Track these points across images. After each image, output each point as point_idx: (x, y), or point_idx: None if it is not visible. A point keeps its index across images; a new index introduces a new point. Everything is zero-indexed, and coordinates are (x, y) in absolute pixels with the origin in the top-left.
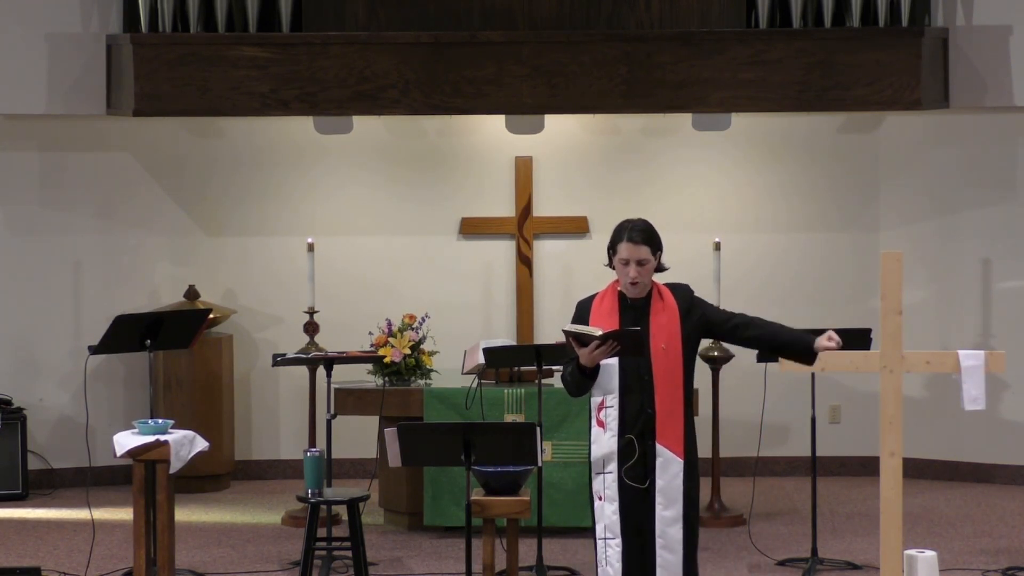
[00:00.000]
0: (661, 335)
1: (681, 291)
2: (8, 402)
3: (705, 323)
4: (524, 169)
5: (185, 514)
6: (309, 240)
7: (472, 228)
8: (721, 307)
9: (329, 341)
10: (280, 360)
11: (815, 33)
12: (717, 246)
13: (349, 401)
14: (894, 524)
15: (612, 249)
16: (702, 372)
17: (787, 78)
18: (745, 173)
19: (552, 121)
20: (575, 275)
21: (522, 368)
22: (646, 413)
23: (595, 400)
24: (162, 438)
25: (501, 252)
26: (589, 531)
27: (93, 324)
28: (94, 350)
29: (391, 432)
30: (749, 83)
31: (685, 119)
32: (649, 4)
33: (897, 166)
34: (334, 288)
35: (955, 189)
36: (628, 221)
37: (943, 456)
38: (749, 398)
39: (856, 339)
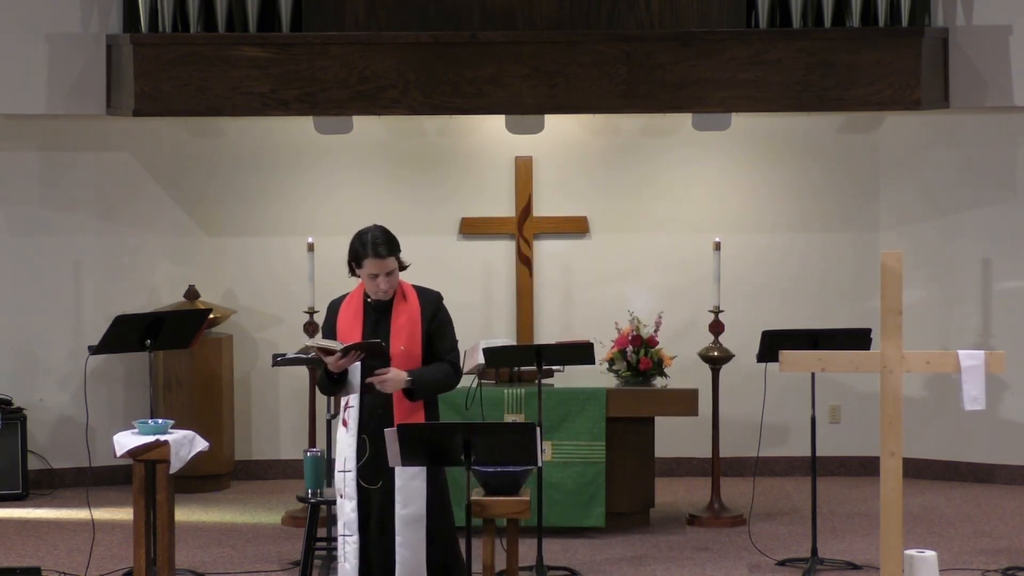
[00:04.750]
0: (400, 337)
1: (429, 296)
2: (8, 402)
3: (433, 336)
4: (524, 169)
5: (185, 514)
6: (309, 240)
7: (472, 228)
8: (720, 307)
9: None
10: (280, 360)
11: (815, 33)
12: (717, 246)
13: None
14: (894, 524)
15: (356, 263)
16: (702, 372)
17: (787, 78)
18: (745, 173)
19: (552, 121)
20: (575, 275)
21: (522, 368)
22: (379, 414)
23: (343, 400)
24: (162, 438)
25: (501, 252)
26: (589, 531)
27: (93, 324)
28: (94, 350)
29: (391, 432)
30: (749, 83)
31: (685, 119)
32: (649, 4)
33: (897, 166)
34: (334, 288)
35: (955, 189)
36: (367, 234)
37: (943, 456)
38: (749, 398)
39: (856, 339)
